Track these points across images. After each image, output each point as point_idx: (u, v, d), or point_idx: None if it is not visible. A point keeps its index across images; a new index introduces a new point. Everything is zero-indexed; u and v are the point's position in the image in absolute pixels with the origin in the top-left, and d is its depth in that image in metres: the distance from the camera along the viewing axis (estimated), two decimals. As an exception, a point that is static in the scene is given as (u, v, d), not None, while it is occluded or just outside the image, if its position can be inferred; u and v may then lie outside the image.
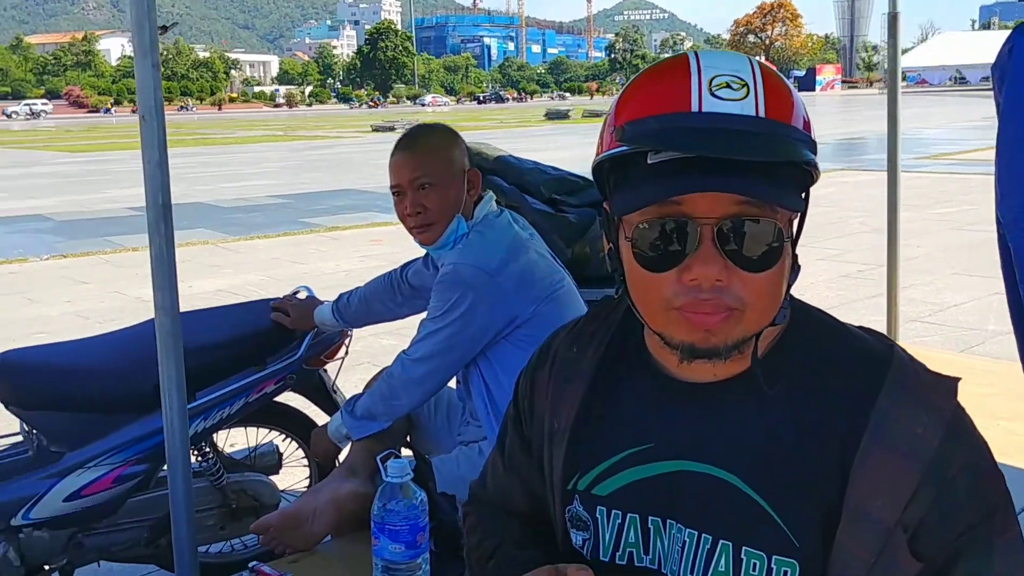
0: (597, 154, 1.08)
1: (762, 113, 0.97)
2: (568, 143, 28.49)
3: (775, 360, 1.06)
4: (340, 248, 9.80)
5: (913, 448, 0.97)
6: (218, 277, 8.34)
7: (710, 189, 0.95)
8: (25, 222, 12.68)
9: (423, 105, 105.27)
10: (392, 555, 1.75)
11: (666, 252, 0.99)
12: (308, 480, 3.16)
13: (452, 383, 2.40)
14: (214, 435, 2.91)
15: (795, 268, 1.05)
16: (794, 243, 1.04)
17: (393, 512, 1.75)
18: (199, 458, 2.84)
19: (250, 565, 2.03)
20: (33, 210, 13.95)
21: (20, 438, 2.68)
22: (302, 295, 2.89)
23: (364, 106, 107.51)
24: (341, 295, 2.72)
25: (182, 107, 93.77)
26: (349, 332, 2.90)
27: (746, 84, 0.98)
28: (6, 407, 2.58)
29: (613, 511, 1.12)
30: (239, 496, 2.91)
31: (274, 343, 2.80)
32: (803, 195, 1.02)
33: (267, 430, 3.06)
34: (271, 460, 3.07)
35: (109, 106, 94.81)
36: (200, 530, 2.87)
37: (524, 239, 2.27)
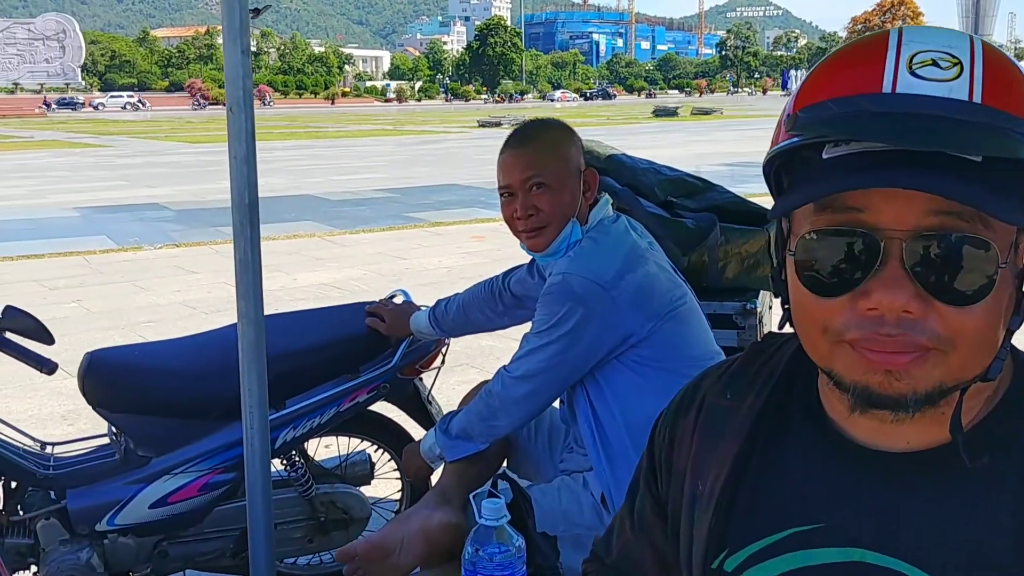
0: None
1: (977, 98, 0.74)
2: (676, 140, 27.96)
3: (989, 429, 0.82)
4: (443, 244, 9.72)
5: None
6: (322, 271, 8.34)
7: (900, 185, 0.73)
8: (143, 210, 13.06)
9: (552, 100, 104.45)
10: (487, 606, 1.55)
11: (838, 271, 0.77)
12: (400, 493, 3.01)
13: (555, 403, 2.19)
14: (304, 444, 2.78)
15: (1020, 308, 0.80)
16: (1021, 275, 0.80)
17: (486, 560, 1.55)
18: (287, 467, 2.71)
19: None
20: (151, 199, 14.37)
21: (107, 440, 2.60)
22: (399, 299, 2.74)
23: (491, 101, 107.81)
24: (439, 302, 2.54)
25: (262, 100, 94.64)
26: (447, 340, 2.72)
27: (959, 63, 0.76)
28: (94, 408, 2.50)
29: None
30: (328, 508, 2.78)
31: (368, 350, 2.65)
32: None
33: (359, 440, 2.91)
34: (363, 471, 2.93)
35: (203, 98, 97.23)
36: (287, 542, 2.75)
37: (643, 248, 2.04)
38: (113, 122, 51.07)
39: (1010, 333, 0.80)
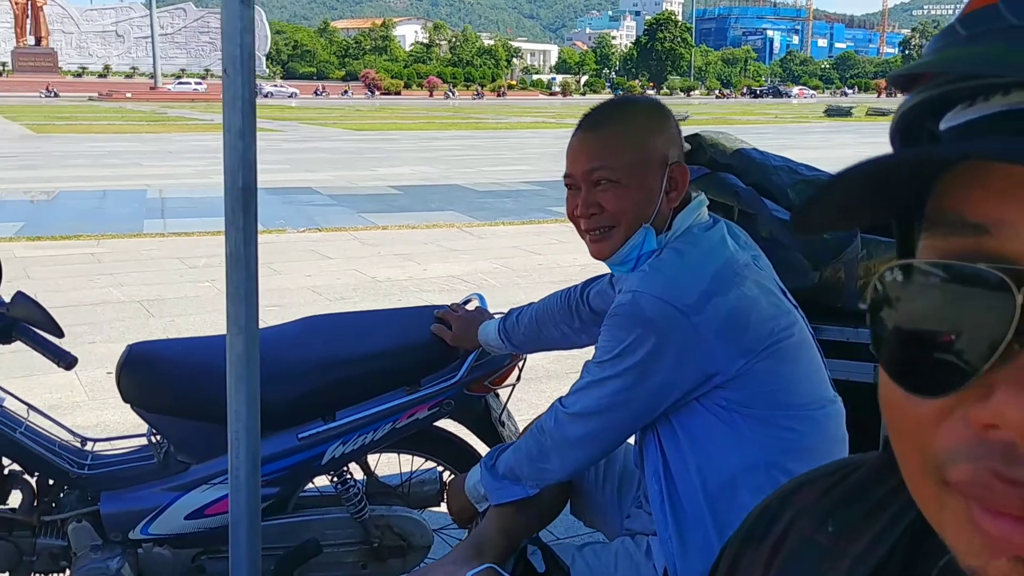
0: None
1: None
2: (846, 141, 26.49)
3: None
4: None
5: None
6: (454, 262, 8.16)
7: None
8: (296, 194, 13.33)
9: (788, 97, 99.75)
10: None
11: (937, 348, 0.39)
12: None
13: (632, 439, 1.81)
14: (366, 458, 2.51)
15: None
16: None
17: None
18: (337, 485, 2.44)
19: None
20: (305, 183, 14.69)
21: (145, 441, 2.40)
22: (472, 305, 2.41)
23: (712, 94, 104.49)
24: (511, 311, 2.20)
25: (344, 92, 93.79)
26: (523, 355, 2.38)
27: None
28: (132, 407, 2.29)
29: None
30: (384, 533, 2.49)
31: (432, 361, 2.34)
32: None
33: (423, 459, 2.61)
34: (430, 491, 2.63)
35: (347, 88, 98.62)
36: (338, 566, 2.49)
37: (740, 264, 1.62)
38: (288, 108, 53.38)
39: None
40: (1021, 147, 0.35)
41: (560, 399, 1.71)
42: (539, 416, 1.80)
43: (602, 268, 1.87)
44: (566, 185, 1.71)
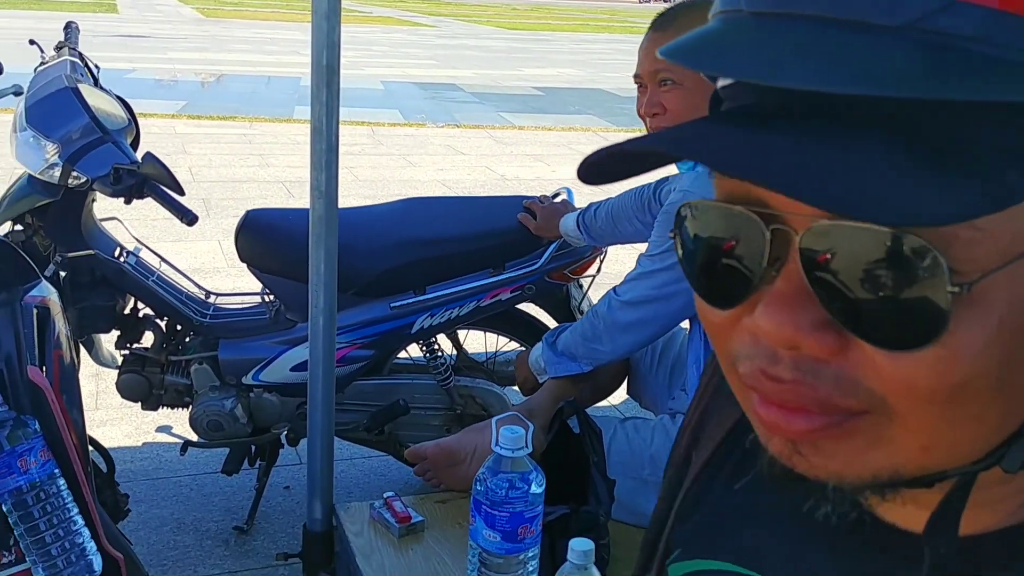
0: None
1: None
2: None
3: (996, 549, 0.49)
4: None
5: None
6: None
7: (729, 171, 0.42)
8: (439, 90, 13.53)
9: None
10: (487, 543, 1.40)
11: (720, 272, 0.48)
12: (547, 401, 2.88)
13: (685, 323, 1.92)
14: (456, 331, 2.72)
15: None
16: None
17: (493, 492, 1.40)
18: (428, 355, 2.66)
19: (386, 494, 1.80)
20: (450, 79, 14.86)
21: (259, 300, 2.68)
22: (560, 198, 2.54)
23: None
24: (590, 205, 2.32)
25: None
26: (603, 248, 2.50)
27: None
28: (248, 267, 2.56)
29: None
30: (467, 401, 2.71)
31: (516, 246, 2.50)
32: None
33: (507, 339, 2.80)
34: (511, 370, 2.82)
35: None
36: (424, 427, 2.73)
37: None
38: (445, 3, 53.42)
39: None
40: (724, 157, 0.42)
41: (615, 287, 1.84)
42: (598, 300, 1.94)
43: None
44: (636, 83, 1.80)
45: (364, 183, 7.09)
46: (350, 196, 6.54)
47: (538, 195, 2.56)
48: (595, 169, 0.48)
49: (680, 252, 0.51)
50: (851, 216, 0.38)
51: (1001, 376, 0.42)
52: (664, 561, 0.71)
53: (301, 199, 6.40)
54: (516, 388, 2.85)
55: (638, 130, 10.57)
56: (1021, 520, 0.48)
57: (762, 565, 0.61)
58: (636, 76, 1.78)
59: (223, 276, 4.69)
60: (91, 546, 1.60)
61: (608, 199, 2.29)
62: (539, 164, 8.01)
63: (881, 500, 0.48)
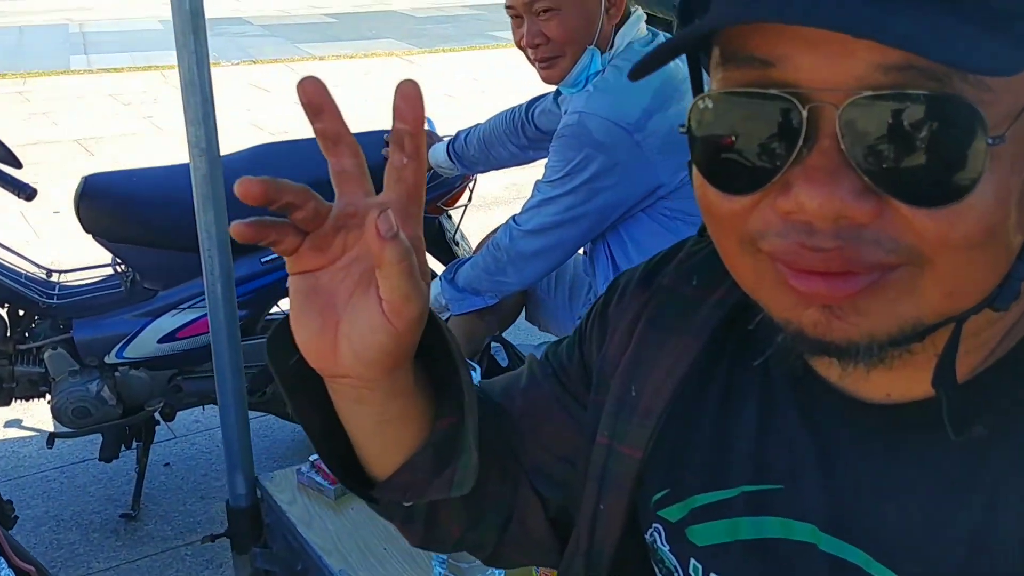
0: None
1: None
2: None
3: (995, 382, 0.56)
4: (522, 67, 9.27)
5: None
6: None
7: (821, 24, 0.45)
8: (226, 25, 12.79)
9: None
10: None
11: (747, 155, 0.51)
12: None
13: (580, 249, 1.93)
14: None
15: None
16: None
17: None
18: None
19: (311, 458, 1.74)
20: (235, 12, 14.08)
21: (110, 271, 2.48)
22: (423, 129, 2.47)
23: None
24: (459, 133, 2.27)
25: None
26: (473, 176, 2.47)
27: None
28: (94, 238, 2.35)
29: (712, 575, 0.67)
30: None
31: (383, 183, 2.42)
32: None
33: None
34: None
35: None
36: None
37: (679, 80, 1.71)
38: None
39: None
40: (754, 9, 0.47)
41: (514, 217, 1.82)
42: (493, 232, 1.91)
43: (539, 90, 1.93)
44: (509, 15, 1.75)
45: (170, 133, 6.65)
46: (158, 148, 6.13)
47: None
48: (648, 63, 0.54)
49: (696, 146, 0.54)
50: (948, 64, 0.44)
51: (1012, 219, 0.49)
52: (649, 504, 0.71)
53: (102, 157, 5.94)
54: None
55: (442, 50, 10.43)
56: (1006, 351, 0.57)
57: (777, 477, 0.63)
58: (509, 8, 1.73)
59: (35, 248, 4.30)
60: (1, 561, 1.47)
61: (477, 125, 2.25)
62: (351, 94, 7.77)
63: (871, 368, 0.53)
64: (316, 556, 1.54)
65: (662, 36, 1.77)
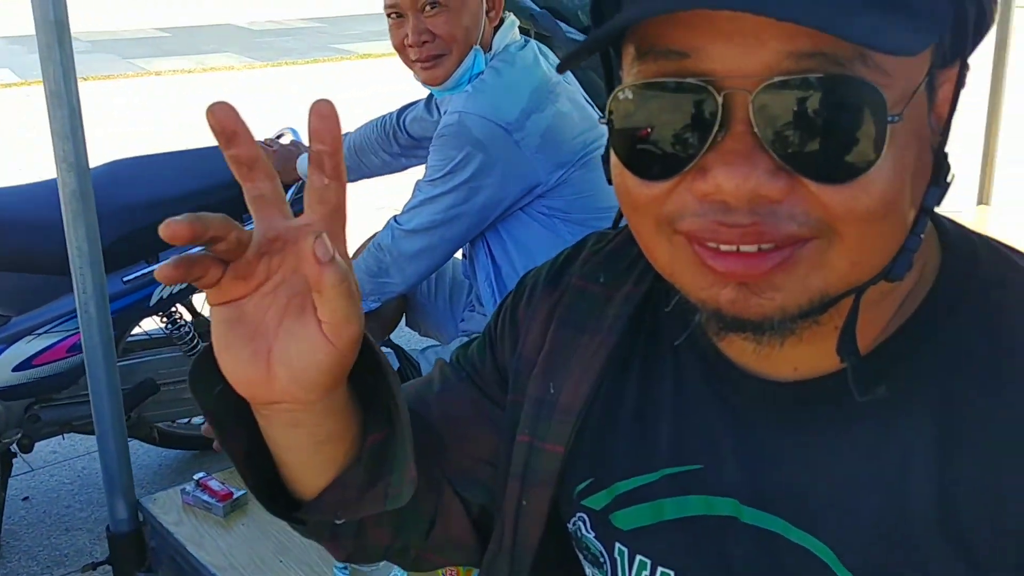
0: None
1: None
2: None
3: (897, 349, 0.61)
4: (367, 78, 9.22)
5: None
6: (241, 106, 7.85)
7: (746, 8, 0.48)
8: (48, 39, 12.15)
9: None
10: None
11: (664, 142, 0.55)
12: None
13: (458, 253, 1.96)
14: (192, 297, 2.54)
15: (939, 178, 0.58)
16: (944, 132, 0.58)
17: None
18: (167, 325, 2.47)
19: (196, 477, 1.68)
20: (58, 27, 13.38)
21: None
22: (286, 139, 2.44)
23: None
24: (329, 141, 2.25)
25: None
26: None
27: None
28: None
29: (638, 557, 0.70)
30: (218, 368, 2.56)
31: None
32: (957, 39, 0.56)
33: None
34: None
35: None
36: (177, 403, 2.56)
37: (553, 82, 1.77)
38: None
39: (924, 213, 0.58)
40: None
41: (395, 217, 1.83)
42: (375, 235, 1.91)
43: (393, 101, 1.93)
44: (388, 15, 1.76)
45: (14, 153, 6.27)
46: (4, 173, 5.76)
47: (261, 140, 2.43)
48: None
49: (615, 136, 0.57)
50: (864, 45, 0.48)
51: (907, 194, 0.55)
52: (573, 495, 0.74)
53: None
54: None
55: (284, 63, 10.24)
56: (903, 321, 0.62)
57: (696, 457, 0.68)
58: (390, 6, 1.74)
59: None
60: None
61: (347, 133, 2.24)
62: (192, 110, 7.52)
63: (779, 343, 0.58)
64: (210, 575, 1.50)
65: (532, 42, 1.82)
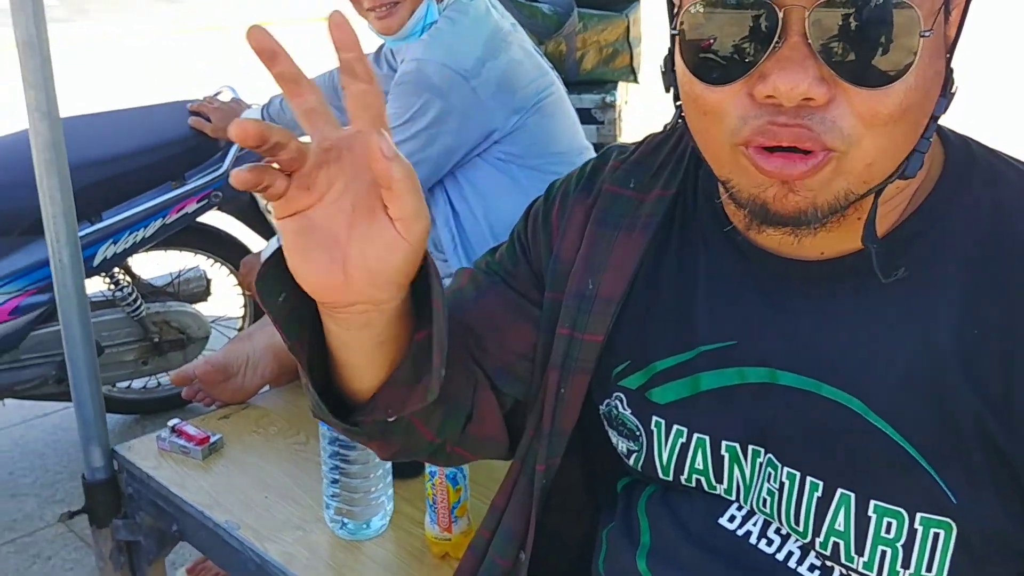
0: None
1: None
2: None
3: (911, 234, 0.72)
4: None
5: None
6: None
7: None
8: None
9: None
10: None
11: (730, 51, 0.64)
12: (242, 310, 2.81)
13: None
14: (128, 260, 2.51)
15: (946, 89, 0.69)
16: (951, 47, 0.68)
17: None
18: (111, 286, 2.46)
19: (170, 423, 1.69)
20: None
21: None
22: (225, 96, 2.43)
23: None
24: (273, 98, 2.26)
25: None
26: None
27: None
28: None
29: (675, 427, 0.79)
30: (162, 328, 2.56)
31: (194, 155, 2.37)
32: None
33: (193, 254, 2.66)
34: (198, 288, 2.70)
35: None
36: (118, 365, 2.54)
37: (506, 31, 1.83)
38: None
39: (934, 120, 0.68)
40: None
41: (352, 166, 1.86)
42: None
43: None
44: None
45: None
46: None
47: (200, 97, 2.42)
48: None
49: (685, 46, 0.66)
50: None
51: (925, 102, 0.65)
52: (610, 377, 0.83)
53: None
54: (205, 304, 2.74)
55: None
56: (915, 209, 0.72)
57: (732, 333, 0.76)
58: None
59: None
60: None
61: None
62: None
63: (812, 234, 0.67)
64: (196, 513, 1.52)
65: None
